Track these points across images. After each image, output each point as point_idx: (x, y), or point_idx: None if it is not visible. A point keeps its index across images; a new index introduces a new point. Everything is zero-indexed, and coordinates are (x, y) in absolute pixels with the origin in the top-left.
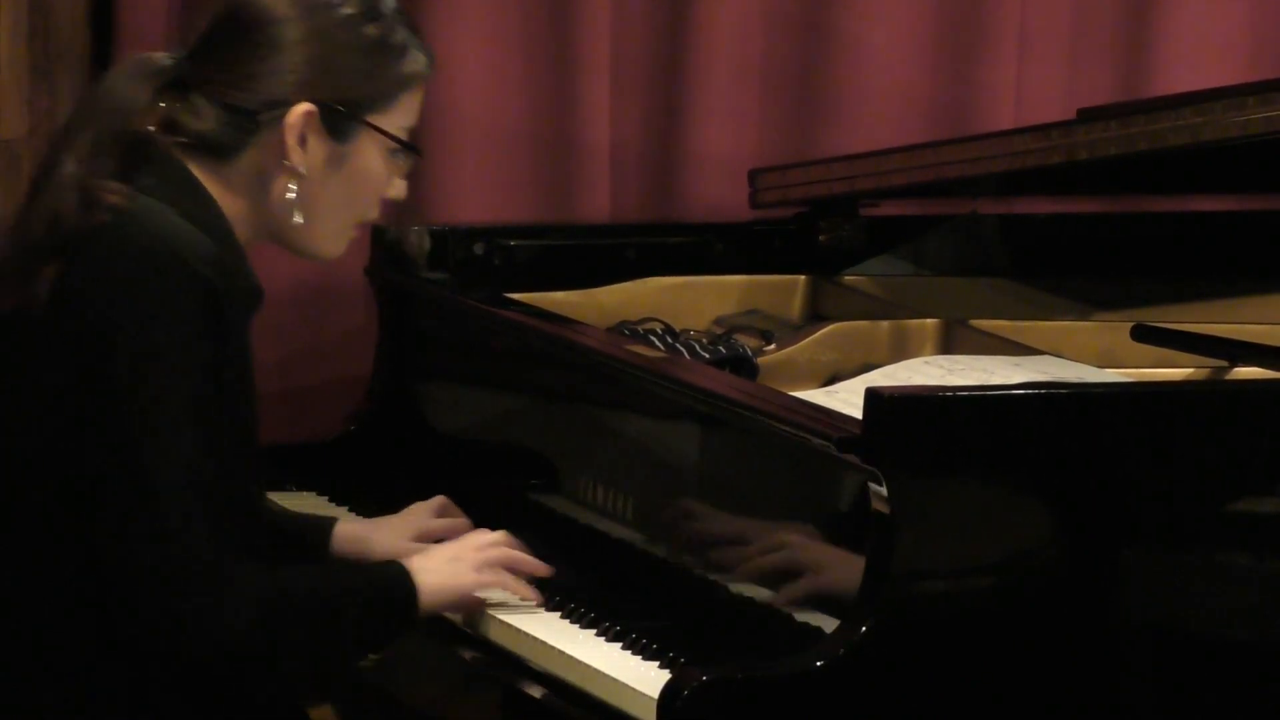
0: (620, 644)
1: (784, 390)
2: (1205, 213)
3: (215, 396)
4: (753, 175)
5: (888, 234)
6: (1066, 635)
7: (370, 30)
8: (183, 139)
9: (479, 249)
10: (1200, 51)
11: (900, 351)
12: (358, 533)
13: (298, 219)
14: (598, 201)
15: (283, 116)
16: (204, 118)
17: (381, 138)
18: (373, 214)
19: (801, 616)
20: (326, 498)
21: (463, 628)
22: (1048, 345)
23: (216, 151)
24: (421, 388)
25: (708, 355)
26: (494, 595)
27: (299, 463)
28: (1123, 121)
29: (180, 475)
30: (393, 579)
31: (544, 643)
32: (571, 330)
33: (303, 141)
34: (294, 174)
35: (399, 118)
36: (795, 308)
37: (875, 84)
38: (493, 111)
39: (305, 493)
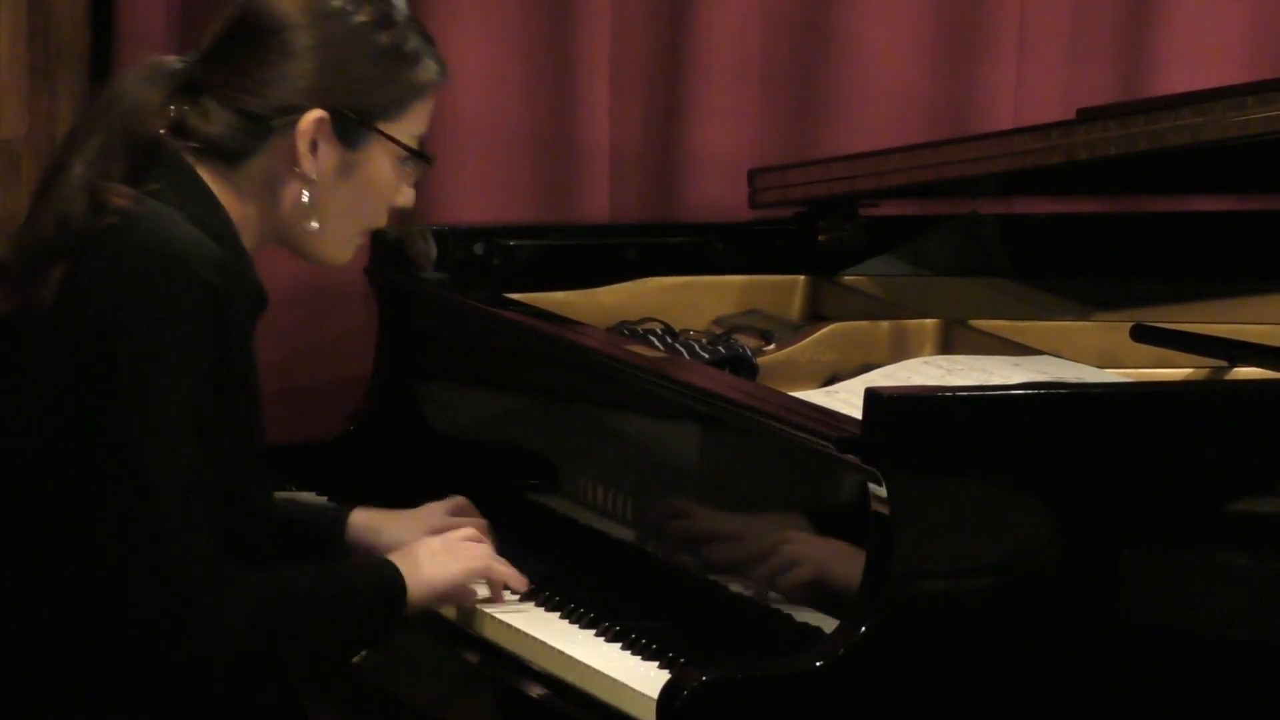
0: (620, 644)
1: (784, 390)
2: (1205, 213)
3: (217, 400)
4: (752, 175)
5: (887, 234)
6: (1066, 635)
7: (383, 38)
8: (192, 143)
9: (479, 249)
10: (1200, 51)
11: (900, 352)
12: (371, 522)
13: (313, 225)
14: (597, 201)
15: (294, 122)
16: (214, 122)
17: (392, 145)
18: (381, 221)
19: (801, 616)
20: (326, 498)
21: (462, 628)
22: (1047, 345)
23: (226, 156)
24: (421, 388)
25: (707, 355)
26: (480, 589)
27: (299, 463)
28: (1122, 121)
29: (180, 477)
30: (385, 578)
31: (544, 643)
32: (571, 330)
33: (314, 148)
34: (304, 180)
35: (410, 126)
36: (795, 308)
37: (875, 84)
38: (492, 111)
39: (305, 493)
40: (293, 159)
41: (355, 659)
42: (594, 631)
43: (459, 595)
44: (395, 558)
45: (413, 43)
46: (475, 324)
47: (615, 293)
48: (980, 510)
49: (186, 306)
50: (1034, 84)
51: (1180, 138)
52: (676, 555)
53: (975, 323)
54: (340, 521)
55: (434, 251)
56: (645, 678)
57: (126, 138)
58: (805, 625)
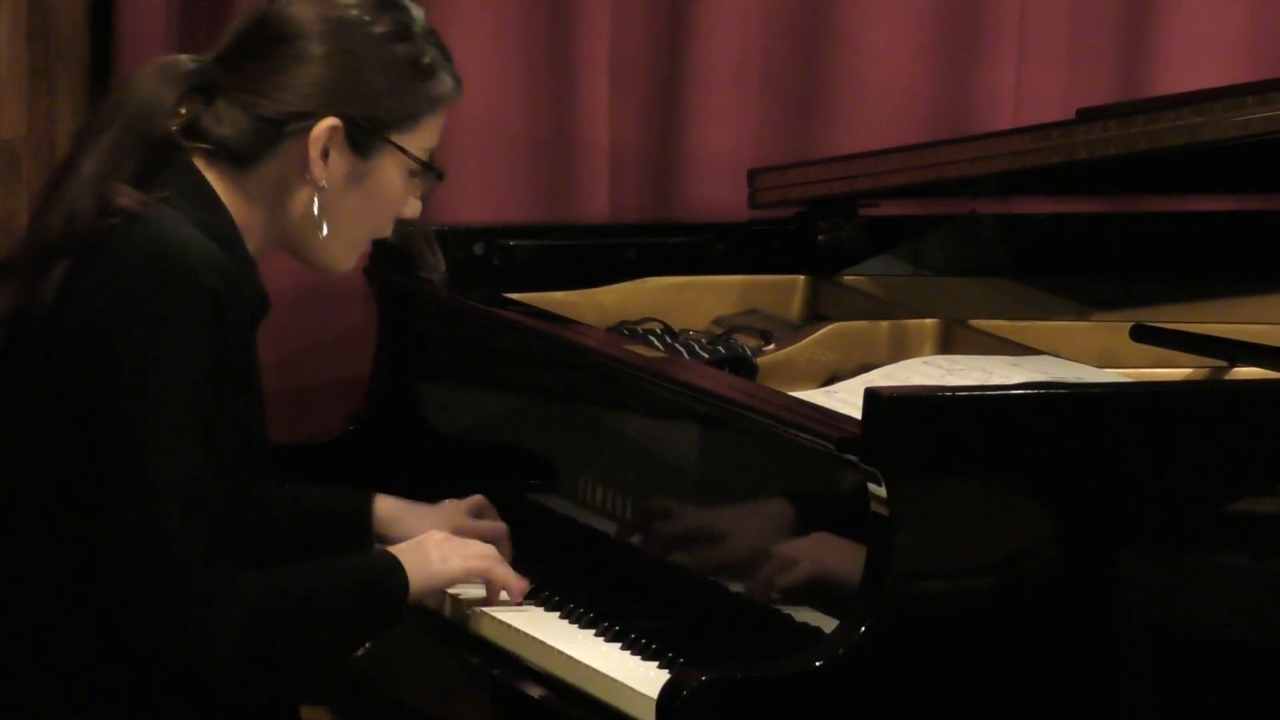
0: (620, 644)
1: (783, 390)
2: (1204, 213)
3: (217, 402)
4: (752, 175)
5: (887, 234)
6: (1066, 635)
7: (401, 49)
8: (204, 144)
9: (478, 249)
10: (1199, 51)
11: (899, 351)
12: (391, 513)
13: (320, 232)
14: (597, 201)
15: (307, 129)
16: (227, 124)
17: (403, 157)
18: (386, 231)
19: (801, 616)
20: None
21: (462, 627)
22: (1047, 345)
23: (236, 159)
24: (421, 388)
25: (707, 355)
26: (475, 588)
27: (299, 463)
28: (1122, 121)
29: (180, 477)
30: (383, 570)
31: (543, 643)
32: (571, 330)
33: (325, 155)
34: (314, 186)
35: (422, 139)
36: (794, 308)
37: (875, 84)
38: (492, 111)
39: (305, 490)
40: (303, 165)
41: (357, 653)
42: (594, 631)
43: (454, 591)
44: (399, 550)
45: (430, 55)
46: (475, 324)
47: (615, 293)
48: (980, 510)
49: (187, 310)
50: (1034, 84)
51: (1180, 138)
52: (676, 555)
53: (975, 323)
54: (366, 508)
55: (442, 265)
56: (645, 678)
57: (139, 136)
58: (805, 625)
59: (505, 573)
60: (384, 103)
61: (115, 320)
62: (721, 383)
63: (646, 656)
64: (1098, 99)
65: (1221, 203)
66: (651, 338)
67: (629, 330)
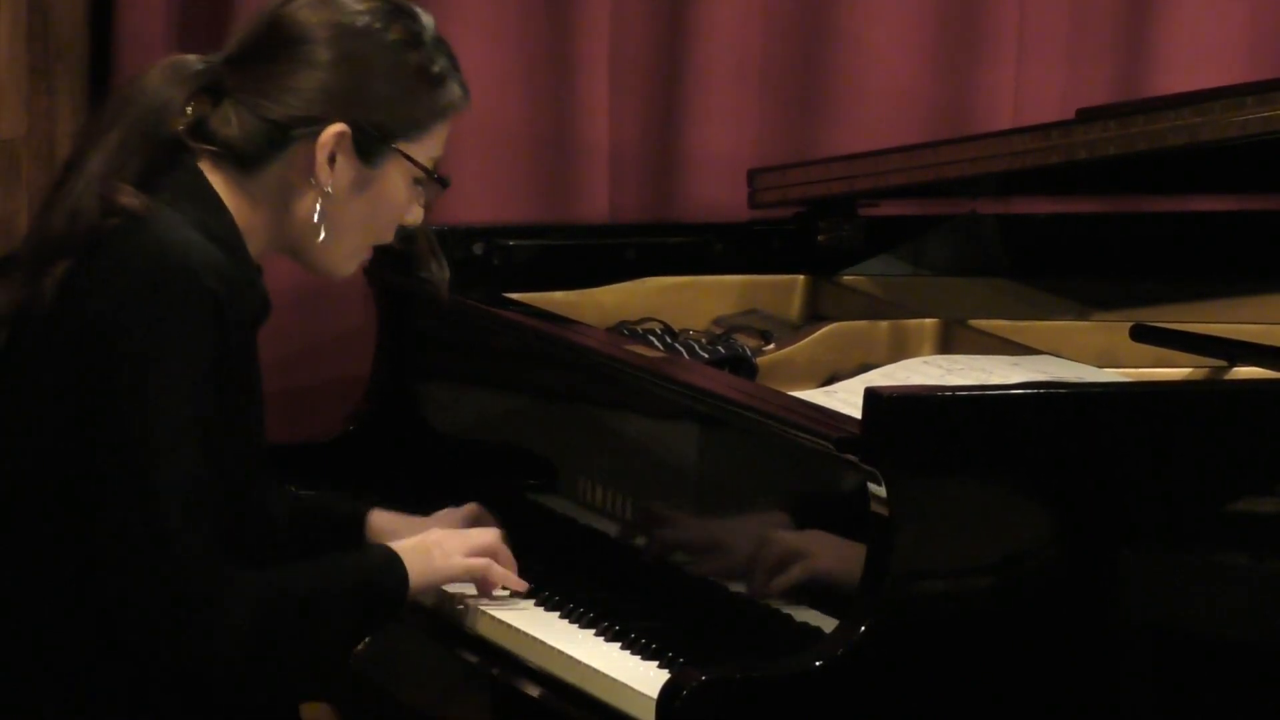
0: (619, 644)
1: (783, 390)
2: (1204, 213)
3: (217, 404)
4: (752, 175)
5: (887, 234)
6: (1066, 635)
7: (411, 58)
8: (210, 146)
9: (478, 249)
10: (1199, 51)
11: (899, 351)
12: (388, 526)
13: (323, 237)
14: (597, 201)
15: (315, 133)
16: (234, 126)
17: (408, 164)
18: (388, 237)
19: (801, 616)
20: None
21: (462, 627)
22: (1046, 345)
23: (242, 161)
24: (421, 388)
25: (707, 355)
26: (471, 591)
27: (299, 463)
28: (1121, 121)
29: (180, 478)
30: (382, 567)
31: (543, 642)
32: (571, 330)
33: (331, 160)
34: (319, 192)
35: (429, 147)
36: (794, 308)
37: (875, 84)
38: (492, 111)
39: (305, 493)
40: (309, 170)
41: (356, 648)
42: (594, 631)
43: (452, 589)
44: (400, 547)
45: (440, 64)
46: (475, 324)
47: (615, 293)
48: (980, 510)
49: (187, 311)
50: (1033, 84)
51: (1179, 138)
52: (676, 555)
53: (974, 322)
54: (360, 521)
55: (446, 273)
56: (645, 678)
57: (145, 136)
58: (805, 625)
59: (504, 572)
60: (392, 110)
61: (115, 321)
62: (721, 383)
63: (646, 656)
64: (1097, 99)
65: (1221, 203)
66: (651, 338)
67: (629, 330)
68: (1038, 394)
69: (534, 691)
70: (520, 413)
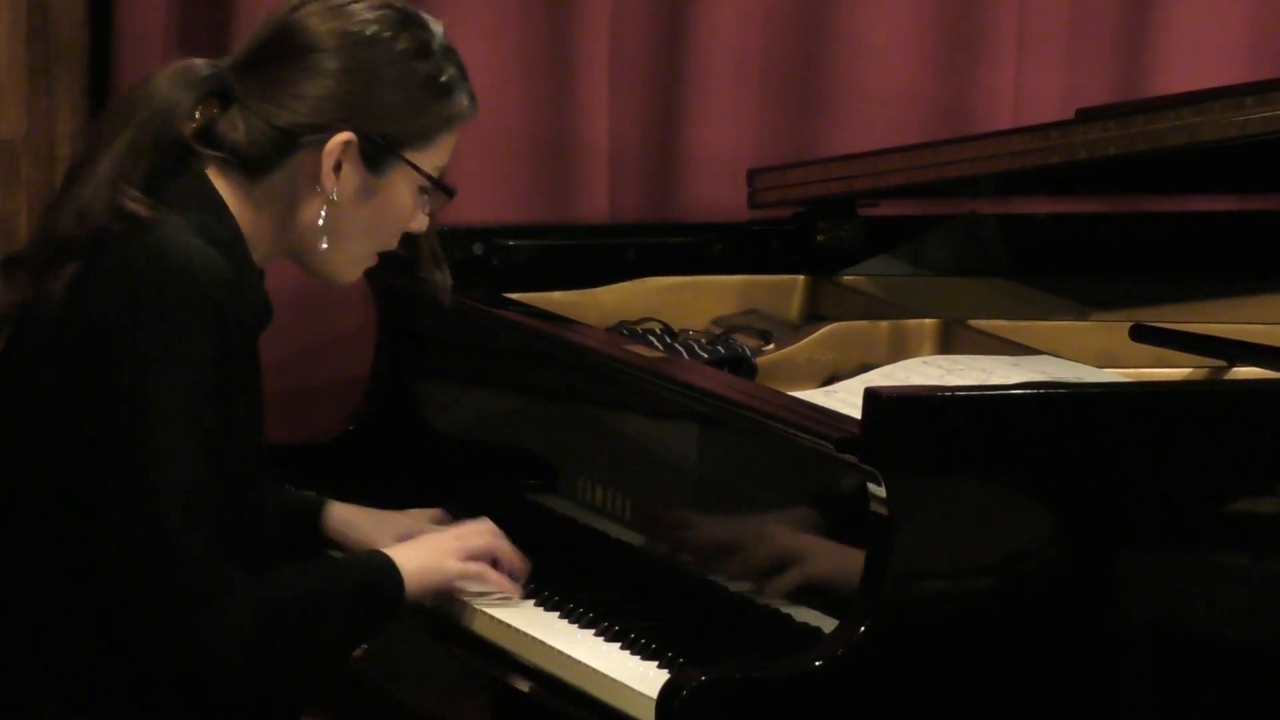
0: (619, 644)
1: (783, 390)
2: (1204, 213)
3: (219, 408)
4: (751, 175)
5: (886, 234)
6: (1065, 635)
7: (420, 67)
8: (217, 151)
9: (478, 249)
10: (1198, 51)
11: (899, 351)
12: (344, 515)
13: (327, 244)
14: (596, 201)
15: (322, 141)
16: (241, 131)
17: (414, 174)
18: (392, 244)
19: (801, 616)
20: (343, 504)
21: (461, 627)
22: (1046, 345)
23: (248, 167)
24: (421, 388)
25: (706, 355)
26: (472, 585)
27: (299, 463)
28: (1121, 121)
29: (180, 480)
30: (379, 570)
31: (543, 642)
32: (570, 330)
33: (338, 168)
34: (324, 199)
35: (435, 156)
36: (794, 308)
37: (874, 84)
38: (491, 111)
39: (304, 493)
40: (315, 177)
41: (355, 654)
42: (593, 631)
43: (451, 591)
44: (395, 550)
45: (448, 74)
46: (475, 324)
47: (614, 293)
48: (979, 510)
49: (188, 317)
50: (1033, 84)
51: (1179, 138)
52: (676, 555)
53: (974, 323)
54: (317, 513)
55: (449, 280)
56: (645, 678)
57: (154, 139)
58: (805, 625)
59: (499, 577)
60: (399, 120)
61: (118, 323)
62: (721, 383)
63: (646, 656)
64: (1097, 99)
65: (1221, 203)
66: (651, 338)
67: (629, 330)
68: (1038, 394)
69: (534, 691)
70: (520, 413)
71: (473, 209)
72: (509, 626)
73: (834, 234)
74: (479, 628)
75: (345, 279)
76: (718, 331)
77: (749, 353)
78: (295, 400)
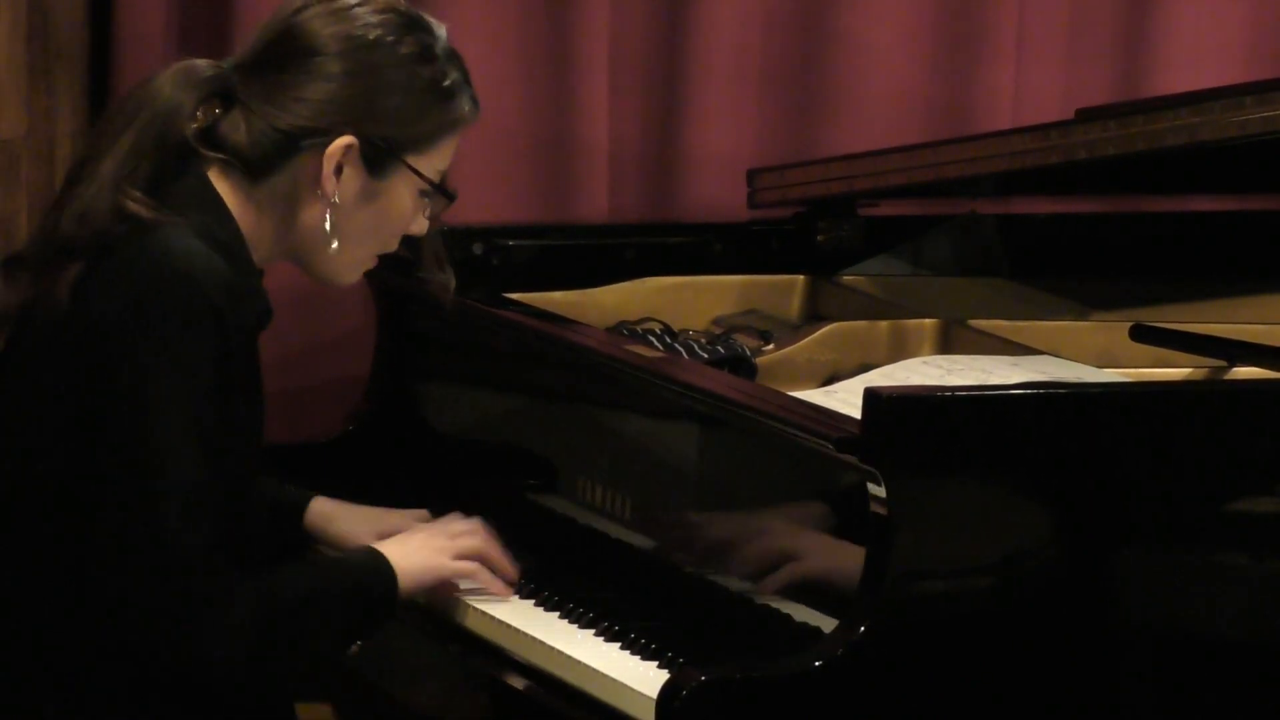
0: (619, 644)
1: (782, 390)
2: (1203, 213)
3: (219, 410)
4: (751, 175)
5: (886, 234)
6: (1065, 635)
7: (423, 72)
8: (219, 153)
9: (477, 249)
10: (1198, 51)
11: (899, 351)
12: (325, 510)
13: (328, 245)
14: (596, 201)
15: (323, 144)
16: (243, 133)
17: (415, 177)
18: (392, 247)
19: (800, 616)
20: (325, 498)
21: (460, 626)
22: (1046, 345)
23: (250, 169)
24: (420, 388)
25: (706, 355)
26: (464, 584)
27: (299, 463)
28: (1121, 121)
29: (180, 481)
30: (374, 569)
31: (542, 642)
32: (570, 330)
33: (338, 171)
34: (325, 202)
35: (436, 160)
36: (794, 308)
37: (874, 84)
38: (491, 111)
39: (287, 486)
40: (316, 179)
41: (351, 650)
42: (593, 631)
43: (444, 588)
44: (387, 548)
45: (451, 78)
46: (474, 324)
47: (614, 293)
48: (979, 510)
49: (189, 321)
50: (1033, 84)
51: (1179, 138)
52: (676, 555)
53: (974, 322)
54: (300, 508)
55: (453, 283)
56: (644, 678)
57: (157, 139)
58: (805, 625)
59: (490, 577)
60: (401, 124)
61: (119, 326)
62: (721, 383)
63: (646, 656)
64: (1097, 99)
65: (1220, 203)
66: (651, 338)
67: (628, 330)
68: (1037, 394)
69: (533, 691)
70: (520, 413)
71: (473, 209)
72: (508, 626)
73: (834, 234)
74: (478, 627)
75: (345, 281)
76: (717, 331)
77: (749, 353)
78: (295, 400)
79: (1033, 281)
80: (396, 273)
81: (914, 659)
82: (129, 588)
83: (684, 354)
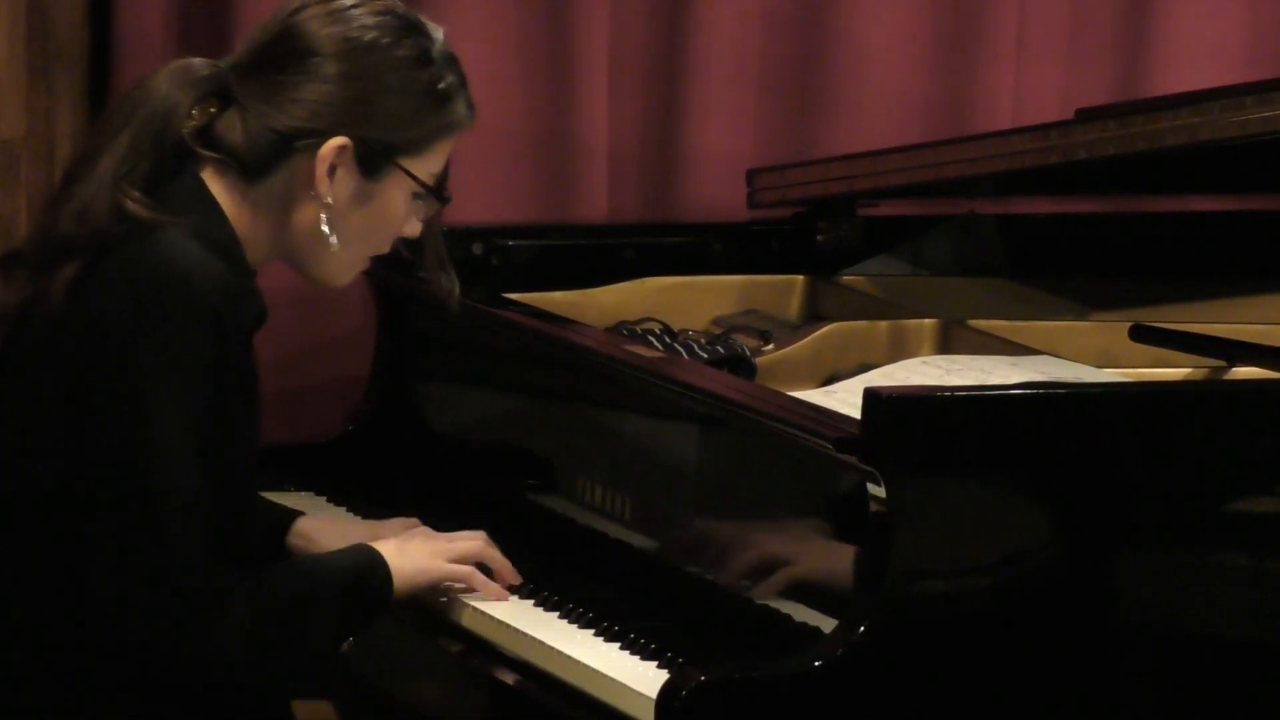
0: (619, 644)
1: (782, 390)
2: (1203, 213)
3: (218, 413)
4: (751, 175)
5: (886, 234)
6: (1065, 635)
7: (420, 75)
8: (214, 153)
9: (477, 249)
10: (1198, 51)
11: (898, 351)
12: (304, 528)
13: (322, 246)
14: (596, 201)
15: (318, 145)
16: (238, 133)
17: (409, 180)
18: (385, 248)
19: (800, 616)
20: (325, 498)
21: (459, 626)
22: (1045, 345)
23: (245, 169)
24: (420, 388)
25: (706, 355)
26: (459, 587)
27: (298, 463)
28: (1121, 121)
29: (179, 484)
30: (369, 567)
31: (542, 642)
32: (570, 330)
33: (332, 172)
34: (319, 203)
35: (431, 163)
36: (793, 308)
37: (873, 84)
38: (491, 111)
39: (304, 493)
40: (310, 180)
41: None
42: (593, 631)
43: (438, 592)
44: (384, 548)
45: (447, 81)
46: (474, 324)
47: (614, 293)
48: (979, 510)
49: (188, 325)
50: (1032, 84)
51: (1178, 138)
52: (675, 555)
53: (974, 323)
54: (285, 526)
55: (456, 288)
56: (644, 678)
57: (154, 138)
58: (804, 625)
59: (484, 580)
60: (396, 126)
61: (118, 328)
62: (721, 383)
63: (646, 656)
64: (1097, 99)
65: (1220, 203)
66: (650, 338)
67: (628, 330)
68: (1037, 394)
69: (532, 691)
70: (520, 413)
71: (472, 209)
72: (508, 626)
73: (833, 234)
74: (477, 627)
75: (338, 283)
76: (717, 331)
77: (748, 353)
78: (295, 400)
79: (1032, 281)
80: (397, 273)
81: (913, 659)
82: (128, 588)
83: (684, 354)
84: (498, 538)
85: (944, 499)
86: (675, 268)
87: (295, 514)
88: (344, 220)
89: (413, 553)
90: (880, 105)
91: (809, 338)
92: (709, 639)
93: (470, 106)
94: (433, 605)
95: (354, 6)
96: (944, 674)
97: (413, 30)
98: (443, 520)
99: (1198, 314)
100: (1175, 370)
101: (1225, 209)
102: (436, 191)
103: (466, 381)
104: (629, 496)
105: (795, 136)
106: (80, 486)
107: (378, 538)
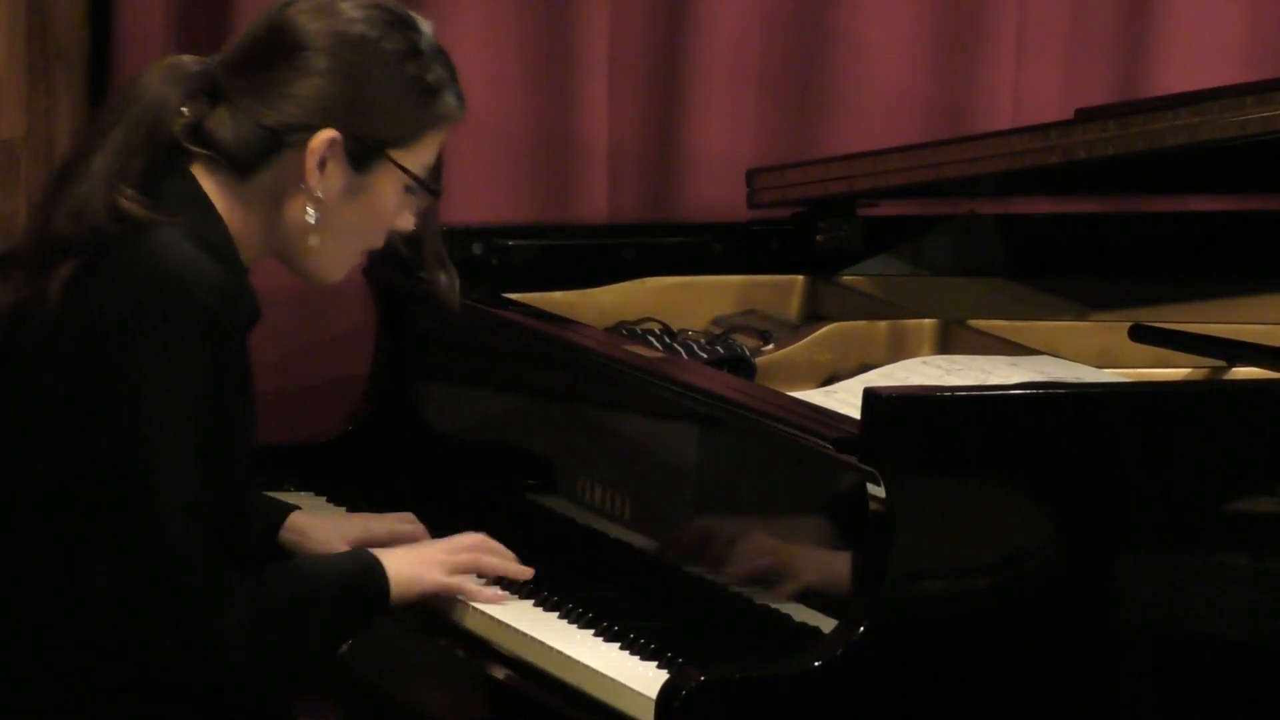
0: (618, 644)
1: (782, 390)
2: (1203, 213)
3: (215, 413)
4: (751, 175)
5: (885, 234)
6: (1064, 635)
7: (408, 68)
8: (205, 150)
9: (477, 249)
10: (1198, 51)
11: (898, 351)
12: (297, 523)
13: (314, 243)
14: (595, 201)
15: (307, 140)
16: (229, 129)
17: (399, 173)
18: (378, 243)
19: (800, 617)
20: (325, 498)
21: (459, 626)
22: (1045, 345)
23: (236, 166)
24: (420, 388)
25: (706, 355)
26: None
27: (298, 463)
28: (1121, 121)
29: (178, 485)
30: (366, 570)
31: (542, 643)
32: (570, 330)
33: (322, 166)
34: (310, 197)
35: (421, 156)
36: (793, 308)
37: (873, 84)
38: (490, 111)
39: (303, 493)
40: (301, 175)
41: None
42: (593, 631)
43: (435, 599)
44: (383, 553)
45: (436, 75)
46: (474, 324)
47: (614, 293)
48: (979, 510)
49: (184, 325)
50: (1032, 84)
51: (1178, 138)
52: (675, 555)
53: (974, 323)
54: (278, 523)
55: (457, 288)
56: (644, 678)
57: (146, 135)
58: (804, 625)
59: (476, 589)
60: (386, 120)
61: (116, 328)
62: (720, 383)
63: (645, 656)
64: (1097, 99)
65: (1220, 203)
66: (650, 338)
67: (628, 330)
68: (1037, 394)
69: (532, 691)
70: (520, 413)
71: (472, 209)
72: (508, 626)
73: (833, 234)
74: (478, 627)
75: (331, 278)
76: (717, 331)
77: (748, 353)
78: (295, 400)
79: (1032, 281)
80: (397, 273)
81: (913, 659)
82: (128, 588)
83: (683, 354)
84: (497, 537)
85: (944, 499)
86: (675, 268)
87: (289, 508)
88: (335, 214)
89: (410, 562)
90: (880, 105)
91: (809, 338)
92: (709, 639)
93: (460, 99)
94: (433, 606)
95: (342, 1)
96: (944, 674)
97: (401, 24)
98: (443, 520)
99: (1198, 314)
100: (1175, 370)
101: (1225, 209)
102: (427, 184)
103: (466, 381)
104: (629, 496)
105: (795, 136)
106: (79, 487)
107: (370, 531)
